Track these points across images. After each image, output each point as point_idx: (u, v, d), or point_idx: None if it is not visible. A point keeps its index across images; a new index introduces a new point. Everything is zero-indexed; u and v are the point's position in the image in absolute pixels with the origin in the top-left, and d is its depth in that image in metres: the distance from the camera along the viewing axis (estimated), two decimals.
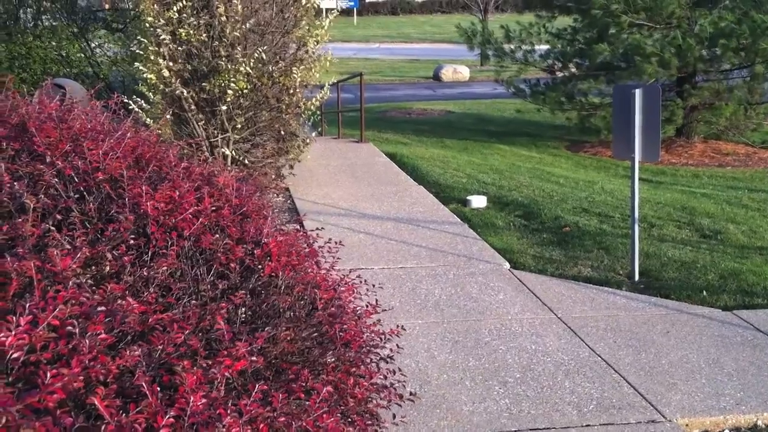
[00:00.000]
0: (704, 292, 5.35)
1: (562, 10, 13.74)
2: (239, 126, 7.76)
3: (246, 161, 7.79)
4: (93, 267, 2.40)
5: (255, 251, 2.98)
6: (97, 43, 14.89)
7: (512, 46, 14.12)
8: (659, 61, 11.44)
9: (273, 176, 8.39)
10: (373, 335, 3.09)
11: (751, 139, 13.25)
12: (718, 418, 3.73)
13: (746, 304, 5.19)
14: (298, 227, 5.00)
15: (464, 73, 25.97)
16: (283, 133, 8.40)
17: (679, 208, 7.75)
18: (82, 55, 14.44)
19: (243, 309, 2.53)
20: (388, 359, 2.76)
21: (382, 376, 2.65)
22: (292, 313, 2.69)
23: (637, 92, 5.63)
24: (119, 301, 2.09)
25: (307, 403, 2.12)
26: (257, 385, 1.92)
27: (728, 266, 5.83)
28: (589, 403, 3.78)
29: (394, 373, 2.71)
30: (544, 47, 14.13)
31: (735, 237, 6.69)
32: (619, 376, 4.07)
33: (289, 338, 2.39)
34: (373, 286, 3.93)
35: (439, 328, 4.68)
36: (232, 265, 2.81)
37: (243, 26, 7.71)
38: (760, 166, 11.55)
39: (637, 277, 5.64)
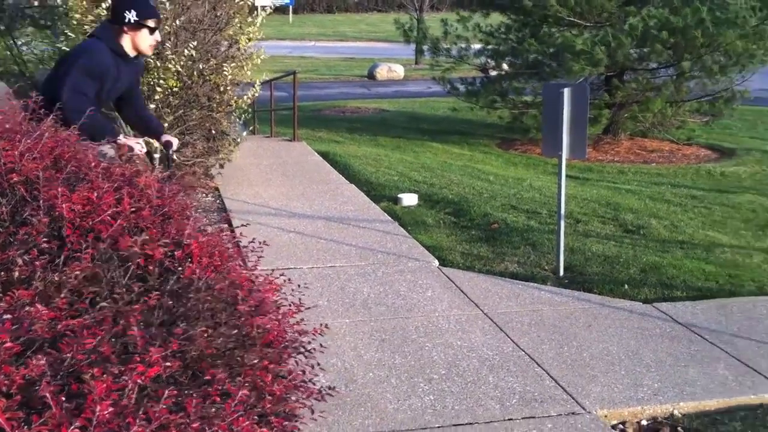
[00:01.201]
0: (626, 285, 5.51)
1: (496, 8, 13.91)
2: (168, 125, 7.65)
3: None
4: (2, 272, 2.35)
5: (175, 253, 2.95)
6: (24, 41, 14.47)
7: (447, 45, 14.24)
8: (588, 60, 11.67)
9: (202, 176, 8.31)
10: (296, 334, 3.09)
11: (676, 136, 13.64)
12: (636, 408, 3.84)
13: (666, 297, 5.35)
14: (226, 227, 4.97)
15: (399, 71, 26.08)
16: (213, 132, 8.32)
17: (605, 204, 7.94)
18: (8, 53, 14.01)
19: (160, 311, 2.51)
20: (307, 353, 2.78)
21: (301, 371, 2.66)
22: (211, 314, 2.67)
23: (566, 91, 5.74)
24: (27, 308, 2.05)
25: (222, 406, 2.11)
26: (167, 391, 1.91)
27: (650, 260, 6.01)
28: (512, 397, 3.85)
29: (313, 367, 2.73)
30: (480, 45, 14.27)
31: (657, 231, 6.90)
32: (542, 370, 4.16)
33: (206, 336, 2.37)
34: (299, 286, 3.93)
35: (366, 326, 4.70)
36: (151, 267, 2.78)
37: (174, 23, 7.61)
38: (683, 162, 11.92)
39: (561, 272, 5.77)
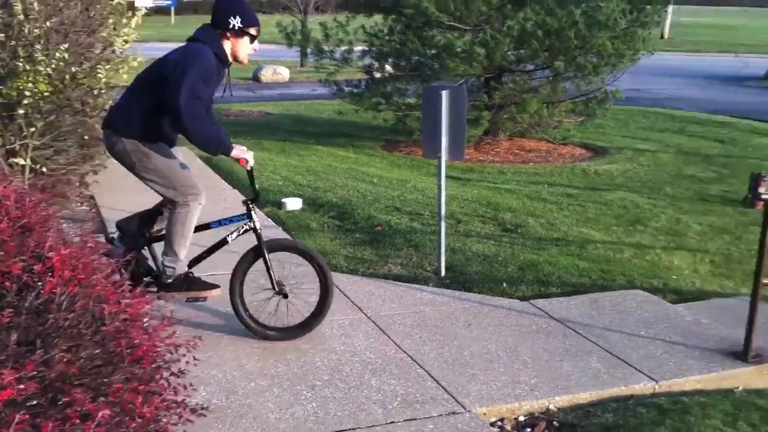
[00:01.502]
0: (504, 284, 5.64)
1: (380, 11, 13.97)
2: (39, 131, 7.31)
3: (44, 169, 7.34)
4: None
5: (35, 267, 2.80)
6: None
7: (329, 47, 14.18)
8: (466, 60, 11.89)
9: (77, 184, 7.98)
10: (169, 348, 2.99)
11: (552, 136, 14.08)
12: (514, 405, 3.93)
13: (542, 294, 5.51)
14: (97, 237, 4.78)
15: (284, 74, 25.86)
16: (87, 138, 8.01)
17: (485, 203, 8.12)
18: None
19: (16, 331, 2.37)
20: (180, 374, 2.69)
21: (173, 391, 2.58)
22: (74, 332, 2.55)
23: (444, 93, 5.81)
24: None
25: (82, 428, 2.02)
26: (18, 415, 1.80)
27: (527, 258, 6.18)
28: (394, 400, 3.87)
29: (186, 388, 2.65)
30: (363, 47, 14.28)
31: (534, 230, 7.10)
32: (424, 371, 4.20)
33: (65, 360, 2.26)
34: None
35: (248, 335, 4.62)
36: (8, 283, 2.64)
37: (44, 24, 7.28)
38: (559, 161, 12.33)
39: (443, 273, 5.85)
